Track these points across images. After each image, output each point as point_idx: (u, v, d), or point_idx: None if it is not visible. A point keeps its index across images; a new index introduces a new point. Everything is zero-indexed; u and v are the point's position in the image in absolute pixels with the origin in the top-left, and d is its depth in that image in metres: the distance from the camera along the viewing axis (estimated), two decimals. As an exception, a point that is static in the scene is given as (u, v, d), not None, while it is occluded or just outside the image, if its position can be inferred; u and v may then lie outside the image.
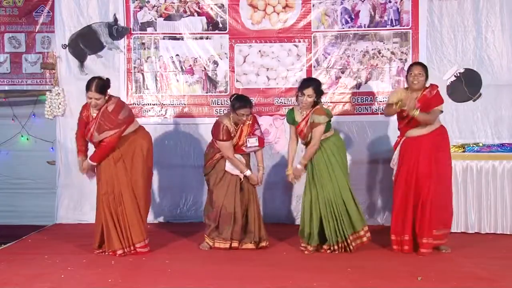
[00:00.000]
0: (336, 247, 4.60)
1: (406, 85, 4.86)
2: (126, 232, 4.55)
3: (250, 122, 4.76)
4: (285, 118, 4.87)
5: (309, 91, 4.56)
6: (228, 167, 4.71)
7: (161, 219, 6.00)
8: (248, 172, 4.72)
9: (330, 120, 4.67)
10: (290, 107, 4.97)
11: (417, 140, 4.62)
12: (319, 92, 4.63)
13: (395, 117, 4.81)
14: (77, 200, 5.90)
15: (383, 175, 5.76)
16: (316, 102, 4.64)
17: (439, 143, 4.65)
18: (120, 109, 4.55)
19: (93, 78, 4.51)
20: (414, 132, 4.63)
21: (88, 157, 4.62)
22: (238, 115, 4.65)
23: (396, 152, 4.75)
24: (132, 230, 4.56)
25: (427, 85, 4.67)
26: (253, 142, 4.73)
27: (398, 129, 4.81)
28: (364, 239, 4.66)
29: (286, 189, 5.88)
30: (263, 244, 4.79)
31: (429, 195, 4.54)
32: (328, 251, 4.63)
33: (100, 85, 4.45)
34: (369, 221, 5.74)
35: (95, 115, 4.52)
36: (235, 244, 4.73)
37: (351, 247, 4.59)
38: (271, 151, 5.95)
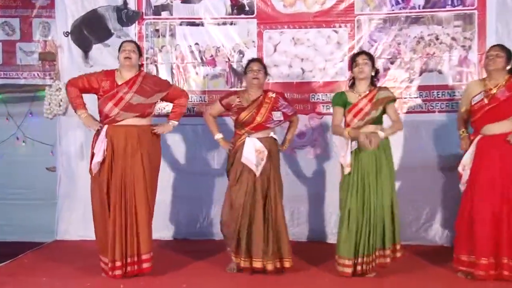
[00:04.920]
0: (359, 260, 4.24)
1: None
2: (133, 240, 4.27)
3: (274, 96, 4.56)
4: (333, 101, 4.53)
5: (363, 57, 4.38)
6: (244, 157, 4.41)
7: (177, 236, 5.71)
8: (217, 136, 4.58)
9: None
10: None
11: (497, 139, 4.18)
12: (374, 60, 4.44)
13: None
14: (81, 213, 5.51)
15: (441, 184, 5.30)
16: (373, 81, 4.44)
17: None
18: None
19: None
20: (495, 128, 4.21)
21: (170, 118, 4.62)
22: (249, 74, 4.53)
23: (469, 154, 4.32)
24: (141, 237, 4.31)
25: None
26: (278, 116, 4.54)
27: (471, 125, 4.42)
28: (388, 259, 4.29)
29: (318, 203, 5.50)
30: (286, 265, 4.41)
31: None
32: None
33: (138, 43, 4.74)
34: (424, 240, 5.38)
35: (121, 82, 4.37)
36: (257, 265, 4.34)
37: (372, 265, 4.27)
38: (306, 156, 5.56)
